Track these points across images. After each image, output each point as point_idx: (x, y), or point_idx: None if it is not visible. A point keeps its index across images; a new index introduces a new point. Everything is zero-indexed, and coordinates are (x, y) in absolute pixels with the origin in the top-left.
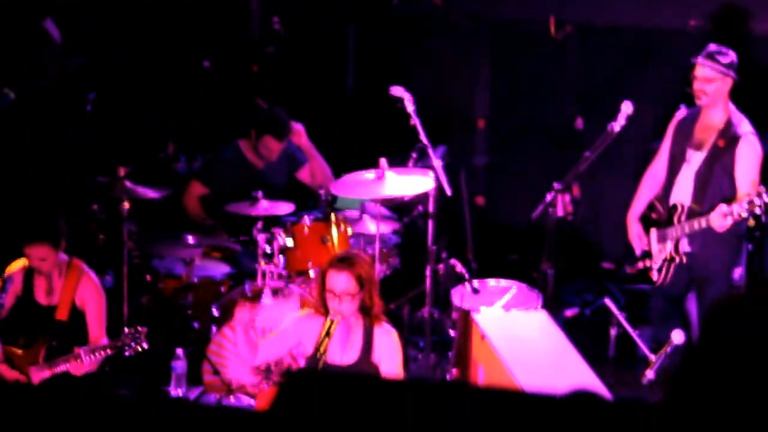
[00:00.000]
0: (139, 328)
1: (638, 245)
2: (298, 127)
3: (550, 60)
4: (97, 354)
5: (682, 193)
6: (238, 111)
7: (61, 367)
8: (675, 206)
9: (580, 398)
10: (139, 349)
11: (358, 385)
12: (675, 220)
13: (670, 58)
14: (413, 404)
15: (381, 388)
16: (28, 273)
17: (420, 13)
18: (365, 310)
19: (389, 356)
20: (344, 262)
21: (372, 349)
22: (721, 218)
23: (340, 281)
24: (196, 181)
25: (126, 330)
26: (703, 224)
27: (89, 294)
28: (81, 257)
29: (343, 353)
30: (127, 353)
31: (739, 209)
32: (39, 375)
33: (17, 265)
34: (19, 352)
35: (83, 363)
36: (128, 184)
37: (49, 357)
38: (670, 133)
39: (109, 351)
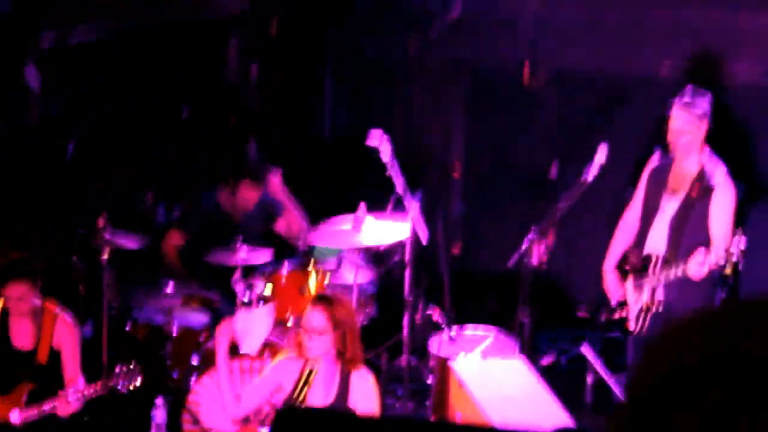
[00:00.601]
0: (132, 365)
1: (614, 295)
2: (274, 179)
3: (525, 106)
4: (86, 393)
5: (657, 241)
6: (216, 159)
7: (48, 409)
8: (649, 256)
9: None
10: (133, 387)
11: (342, 424)
12: (650, 269)
13: (645, 104)
14: None
15: (362, 427)
16: (2, 318)
17: (395, 59)
18: (342, 354)
19: (366, 400)
20: (321, 300)
21: (348, 394)
22: (698, 266)
23: (313, 318)
24: (175, 230)
25: (118, 368)
26: (680, 273)
27: (65, 335)
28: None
29: (318, 396)
30: (121, 390)
31: (717, 258)
32: (23, 416)
33: None
34: None
35: (70, 403)
36: (107, 233)
37: (31, 400)
38: (643, 181)
39: (99, 390)
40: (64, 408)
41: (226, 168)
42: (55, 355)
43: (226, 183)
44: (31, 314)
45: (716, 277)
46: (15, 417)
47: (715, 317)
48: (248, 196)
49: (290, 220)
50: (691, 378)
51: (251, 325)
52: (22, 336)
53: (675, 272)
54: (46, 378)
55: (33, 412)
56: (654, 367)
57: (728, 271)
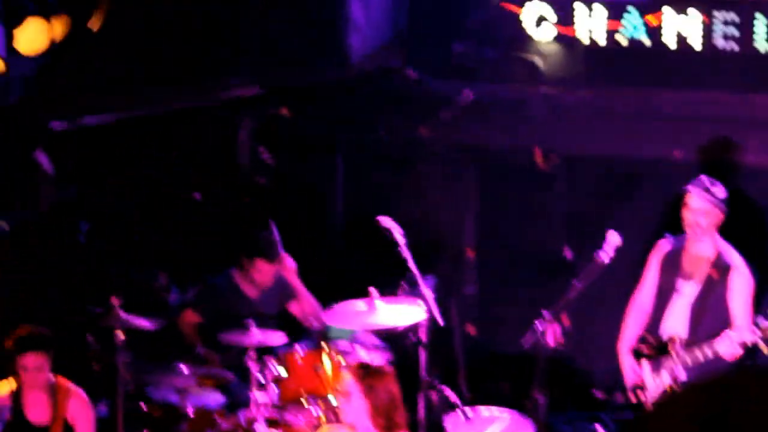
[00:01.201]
0: None
1: (631, 378)
2: (288, 260)
3: (538, 189)
4: None
5: (676, 323)
6: (229, 240)
7: None
8: (671, 338)
9: None
10: None
11: None
12: (672, 351)
13: (657, 187)
14: None
15: None
16: (16, 396)
17: (407, 142)
18: (379, 423)
19: None
20: (358, 367)
21: None
22: (731, 346)
23: (344, 381)
24: (190, 309)
25: None
26: (709, 353)
27: (79, 411)
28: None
29: None
30: None
31: (750, 336)
32: None
33: (2, 390)
34: None
35: None
36: (122, 314)
37: None
38: (655, 264)
39: None
40: None
41: (240, 247)
42: (69, 430)
43: (241, 262)
44: (46, 388)
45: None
46: None
47: (714, 384)
48: (263, 273)
49: (303, 303)
50: None
51: None
52: (37, 411)
53: (704, 352)
54: None
55: None
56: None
57: (765, 348)
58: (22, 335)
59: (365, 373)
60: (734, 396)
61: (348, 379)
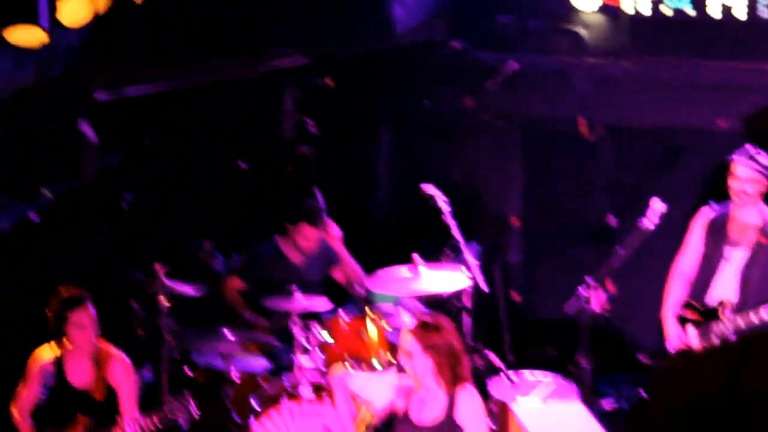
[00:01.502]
0: (186, 397)
1: (676, 344)
2: (333, 227)
3: (582, 158)
4: (143, 425)
5: (726, 290)
6: (273, 209)
7: None
8: (721, 303)
9: None
10: (190, 418)
11: None
12: (722, 316)
13: (700, 156)
14: None
15: None
16: (59, 361)
17: (452, 112)
18: (443, 376)
19: (472, 416)
20: (417, 325)
21: (454, 410)
22: None
23: (405, 342)
24: (235, 276)
25: (170, 400)
26: (764, 316)
27: (122, 375)
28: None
29: (427, 414)
30: (181, 421)
31: None
32: None
33: (44, 356)
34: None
35: None
36: (166, 280)
37: None
38: (699, 231)
39: (156, 422)
40: None
41: (284, 213)
42: (111, 393)
43: (285, 228)
44: (90, 352)
45: None
46: None
47: (721, 354)
48: (308, 238)
49: (347, 269)
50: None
51: (372, 387)
52: (79, 375)
53: (756, 317)
54: (103, 415)
55: None
56: (668, 401)
57: None
58: (70, 293)
59: (424, 330)
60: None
61: (408, 339)
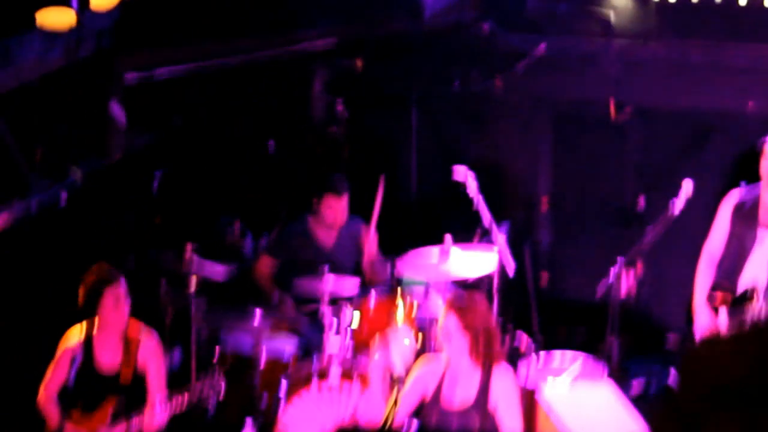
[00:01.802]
0: (215, 376)
1: (706, 327)
2: (372, 236)
3: (611, 139)
4: (172, 405)
5: (759, 272)
6: (303, 189)
7: (135, 424)
8: (753, 288)
9: None
10: (219, 398)
11: None
12: (755, 299)
13: (730, 139)
14: None
15: None
16: (87, 342)
17: (482, 95)
18: (478, 355)
19: (506, 395)
20: (454, 306)
21: (489, 390)
22: None
23: (446, 323)
24: (266, 255)
25: (199, 380)
26: None
27: (150, 354)
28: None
29: (461, 394)
30: (207, 402)
31: None
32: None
33: (74, 337)
34: (83, 414)
35: (156, 417)
36: (195, 260)
37: (116, 416)
38: (726, 214)
39: (185, 401)
40: (150, 422)
41: (311, 190)
42: (139, 376)
43: (312, 205)
44: (120, 332)
45: None
46: None
47: (747, 336)
48: (334, 209)
49: (375, 264)
50: (724, 398)
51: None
52: (108, 357)
53: None
54: (131, 397)
55: (121, 428)
56: (694, 386)
57: None
58: (105, 269)
59: (461, 309)
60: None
61: (446, 318)
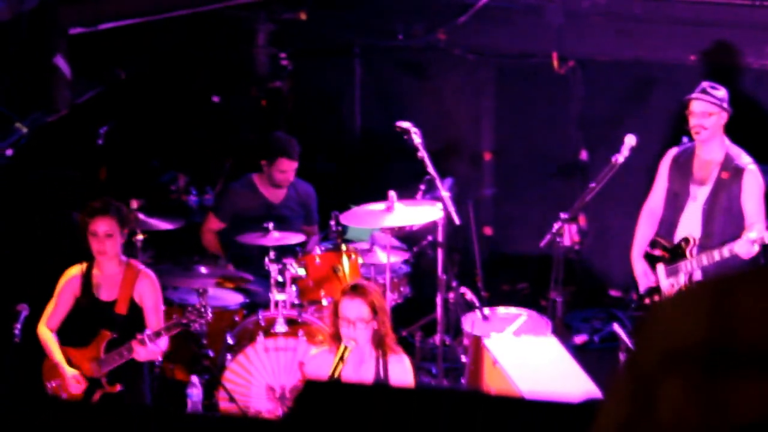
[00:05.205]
0: (201, 305)
1: (645, 282)
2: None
3: (554, 92)
4: (163, 334)
5: (690, 228)
6: (247, 145)
7: (126, 351)
8: (687, 239)
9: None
10: (205, 322)
11: (374, 395)
12: (688, 253)
13: (672, 91)
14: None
15: (394, 396)
16: (86, 274)
17: (425, 47)
18: (378, 340)
19: (403, 383)
20: (357, 290)
21: (387, 377)
22: (748, 245)
23: (354, 308)
24: (212, 215)
25: (189, 308)
26: (726, 254)
27: (147, 289)
28: None
29: (357, 379)
30: (194, 328)
31: (761, 234)
32: (105, 367)
33: (73, 270)
34: (77, 349)
35: (147, 346)
36: (141, 216)
37: (109, 350)
38: (665, 171)
39: (173, 329)
40: (140, 351)
41: (259, 150)
42: (135, 309)
43: (261, 165)
44: (116, 265)
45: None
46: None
47: (701, 297)
48: (287, 166)
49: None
50: (678, 360)
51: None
52: (105, 288)
53: (721, 253)
54: (125, 329)
55: (113, 358)
56: (648, 349)
57: None
58: (94, 204)
59: (367, 293)
60: (744, 291)
61: (356, 304)
